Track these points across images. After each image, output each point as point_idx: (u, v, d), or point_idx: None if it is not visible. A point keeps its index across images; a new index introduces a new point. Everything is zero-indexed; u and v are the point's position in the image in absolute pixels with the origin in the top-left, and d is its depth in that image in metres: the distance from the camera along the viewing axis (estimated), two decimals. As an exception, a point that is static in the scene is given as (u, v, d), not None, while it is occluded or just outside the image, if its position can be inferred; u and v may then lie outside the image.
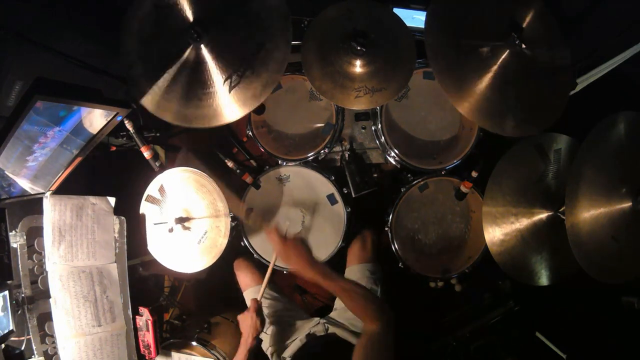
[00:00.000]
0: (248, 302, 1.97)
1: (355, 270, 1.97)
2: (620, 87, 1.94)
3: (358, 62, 1.64)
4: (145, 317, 1.78)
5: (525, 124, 1.57)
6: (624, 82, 1.92)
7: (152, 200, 1.84)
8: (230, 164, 2.00)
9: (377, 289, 1.90)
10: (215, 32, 1.51)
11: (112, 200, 1.74)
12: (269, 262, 2.03)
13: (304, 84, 2.06)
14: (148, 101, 1.57)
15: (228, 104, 1.56)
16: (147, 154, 1.80)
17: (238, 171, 2.00)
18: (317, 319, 1.87)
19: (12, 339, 1.50)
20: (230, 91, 1.54)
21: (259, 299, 1.70)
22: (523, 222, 1.71)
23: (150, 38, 1.55)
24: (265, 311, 1.91)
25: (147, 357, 1.82)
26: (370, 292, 1.66)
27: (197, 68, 1.54)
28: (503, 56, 1.50)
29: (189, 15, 1.50)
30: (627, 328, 1.97)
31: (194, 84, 1.55)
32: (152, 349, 1.80)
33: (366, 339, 1.36)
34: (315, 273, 1.40)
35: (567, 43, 1.57)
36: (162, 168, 1.84)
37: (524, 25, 1.52)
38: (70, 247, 1.61)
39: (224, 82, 1.54)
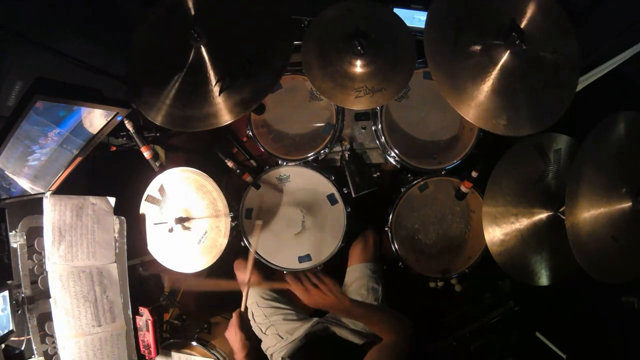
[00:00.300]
0: (248, 303, 1.98)
1: (356, 270, 1.97)
2: (620, 87, 1.94)
3: (358, 62, 1.64)
4: (145, 317, 1.79)
5: (527, 123, 1.57)
6: (624, 82, 1.92)
7: (152, 200, 1.84)
8: (230, 164, 2.00)
9: (378, 287, 1.90)
10: (216, 33, 1.50)
11: (112, 200, 1.75)
12: (269, 262, 2.03)
13: (304, 84, 2.06)
14: (156, 113, 1.57)
15: (218, 108, 1.55)
16: (147, 154, 1.80)
17: (238, 171, 2.00)
18: (316, 319, 1.87)
19: (12, 339, 1.51)
20: (219, 94, 1.52)
21: (242, 309, 1.60)
22: (523, 222, 1.71)
23: (155, 49, 1.56)
24: (265, 311, 1.91)
25: (147, 357, 1.82)
26: (389, 311, 1.69)
27: (198, 70, 1.53)
28: (504, 56, 1.50)
29: (192, 11, 1.50)
30: (627, 328, 1.97)
31: (197, 85, 1.54)
32: (152, 349, 1.80)
33: (377, 349, 1.39)
34: (341, 309, 1.45)
35: (575, 38, 1.54)
36: (162, 168, 1.84)
37: (525, 22, 1.51)
38: (70, 247, 1.61)
39: (215, 83, 1.53)
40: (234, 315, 1.54)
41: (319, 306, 1.44)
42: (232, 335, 1.52)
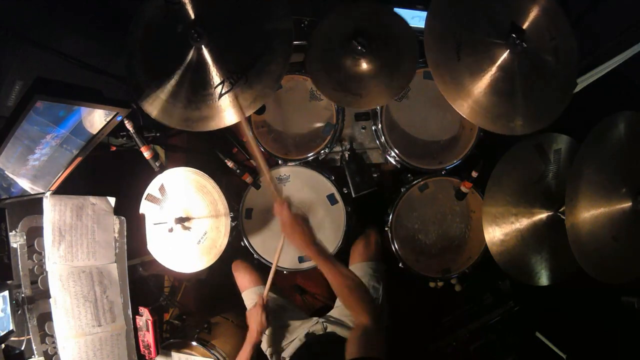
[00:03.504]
0: (247, 303, 1.98)
1: (358, 268, 1.97)
2: (620, 87, 1.94)
3: (362, 62, 1.64)
4: (145, 317, 1.78)
5: (530, 121, 1.57)
6: (624, 82, 1.92)
7: (152, 199, 1.84)
8: (230, 164, 2.00)
9: (379, 287, 1.90)
10: (216, 34, 1.50)
11: (112, 200, 1.74)
12: (269, 263, 2.03)
13: (304, 84, 2.05)
14: (153, 107, 1.56)
15: (217, 111, 1.55)
16: (147, 154, 1.80)
17: (238, 171, 2.00)
18: (315, 319, 1.87)
19: (12, 339, 1.50)
20: (219, 98, 1.52)
21: (264, 296, 1.73)
22: (523, 222, 1.71)
23: (155, 43, 1.54)
24: (264, 312, 1.91)
25: (147, 357, 1.82)
26: (363, 285, 1.56)
27: (198, 71, 1.52)
28: (503, 57, 1.50)
29: (192, 14, 1.50)
30: (627, 328, 1.97)
31: (196, 86, 1.54)
32: (152, 349, 1.80)
33: (359, 332, 1.35)
34: (315, 251, 1.43)
35: (574, 36, 1.55)
36: (162, 168, 1.84)
37: (527, 22, 1.51)
38: (70, 247, 1.61)
39: (215, 87, 1.52)
40: (258, 297, 1.74)
41: (295, 238, 1.45)
42: (253, 314, 1.70)
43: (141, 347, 1.80)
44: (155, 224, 1.82)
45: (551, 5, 1.51)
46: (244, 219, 2.05)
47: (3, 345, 1.47)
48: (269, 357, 1.84)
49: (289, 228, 1.45)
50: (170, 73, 1.54)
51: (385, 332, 1.36)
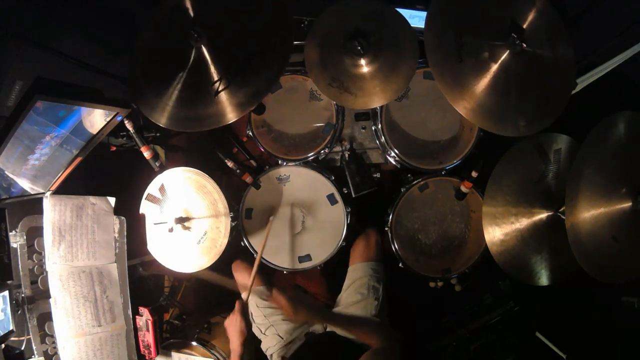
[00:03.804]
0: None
1: (358, 268, 1.97)
2: (620, 87, 1.94)
3: (361, 62, 1.64)
4: (145, 317, 1.78)
5: (534, 121, 1.57)
6: (624, 82, 1.92)
7: (152, 199, 1.84)
8: (230, 164, 2.00)
9: (379, 287, 1.90)
10: (215, 33, 1.50)
11: (112, 200, 1.74)
12: (269, 263, 2.03)
13: (304, 84, 2.05)
14: (162, 117, 1.57)
15: (218, 108, 1.54)
16: (147, 154, 1.80)
17: (238, 171, 2.00)
18: (316, 319, 1.87)
19: (12, 339, 1.51)
20: (215, 95, 1.51)
21: (245, 299, 1.71)
22: (523, 222, 1.71)
23: (159, 54, 1.55)
24: (264, 312, 1.90)
25: (147, 357, 1.82)
26: (371, 320, 1.80)
27: (199, 72, 1.52)
28: (503, 56, 1.50)
29: (191, 13, 1.50)
30: (627, 328, 1.97)
31: (198, 87, 1.54)
32: (152, 349, 1.80)
33: (372, 352, 1.45)
34: (320, 316, 1.71)
35: (570, 39, 1.56)
36: (162, 168, 1.84)
37: (526, 23, 1.51)
38: (70, 247, 1.61)
39: (212, 84, 1.51)
40: (237, 303, 1.66)
41: (300, 317, 1.65)
42: (232, 322, 1.62)
43: (141, 347, 1.80)
44: (155, 224, 1.82)
45: (547, 7, 1.51)
46: (244, 219, 2.05)
47: (3, 345, 1.47)
48: (268, 357, 1.84)
49: (292, 311, 1.58)
50: (173, 78, 1.54)
51: (399, 348, 1.50)
